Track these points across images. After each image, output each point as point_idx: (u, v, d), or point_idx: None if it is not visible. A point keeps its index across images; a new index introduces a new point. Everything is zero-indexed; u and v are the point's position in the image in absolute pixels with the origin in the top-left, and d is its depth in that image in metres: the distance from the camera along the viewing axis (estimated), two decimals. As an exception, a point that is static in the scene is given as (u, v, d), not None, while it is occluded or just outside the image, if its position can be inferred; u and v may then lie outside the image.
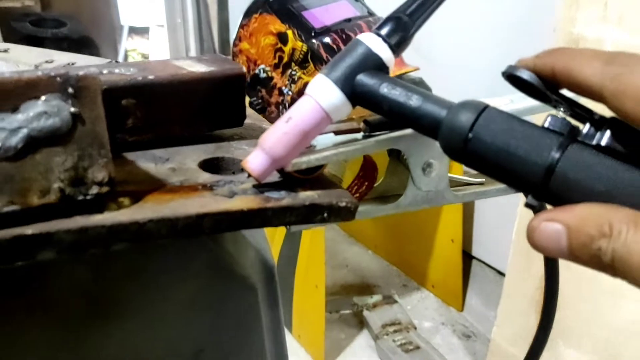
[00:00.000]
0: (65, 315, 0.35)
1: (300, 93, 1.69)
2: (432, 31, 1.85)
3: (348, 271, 2.04)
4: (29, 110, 0.30)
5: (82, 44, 3.41)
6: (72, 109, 0.31)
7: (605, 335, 1.19)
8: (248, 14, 1.53)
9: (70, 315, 0.36)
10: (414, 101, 0.32)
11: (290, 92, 1.45)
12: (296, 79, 1.44)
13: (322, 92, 0.34)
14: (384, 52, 0.34)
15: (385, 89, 0.33)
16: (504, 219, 1.56)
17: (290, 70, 1.45)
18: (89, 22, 3.56)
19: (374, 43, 0.34)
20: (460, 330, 1.76)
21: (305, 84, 1.43)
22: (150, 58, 3.90)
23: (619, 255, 0.23)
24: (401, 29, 0.35)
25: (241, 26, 1.55)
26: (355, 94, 0.34)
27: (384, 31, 0.35)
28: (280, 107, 1.49)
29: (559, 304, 1.32)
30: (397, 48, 0.35)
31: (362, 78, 0.34)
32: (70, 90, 0.31)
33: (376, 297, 1.80)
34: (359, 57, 0.34)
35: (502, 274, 1.67)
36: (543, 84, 0.28)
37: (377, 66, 0.34)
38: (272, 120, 1.39)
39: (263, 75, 1.50)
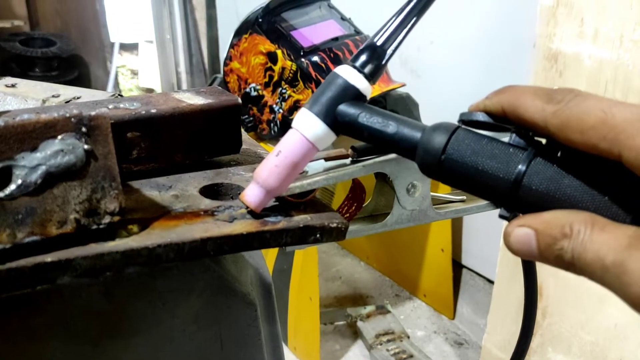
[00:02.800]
0: (82, 332, 0.38)
1: (291, 110, 1.72)
2: (419, 45, 1.88)
3: (341, 283, 2.06)
4: (47, 148, 0.33)
5: (72, 62, 3.42)
6: (86, 146, 0.34)
7: (592, 339, 1.22)
8: (238, 34, 1.56)
9: (86, 332, 0.38)
10: (391, 128, 0.35)
11: (281, 110, 1.48)
12: (286, 97, 1.47)
13: (307, 125, 0.37)
14: (360, 82, 0.36)
15: (364, 118, 0.36)
16: (492, 228, 1.60)
17: (280, 89, 1.48)
18: (78, 40, 3.57)
19: (350, 75, 0.36)
20: (452, 338, 1.79)
21: (296, 102, 1.47)
22: (139, 74, 3.92)
23: (577, 253, 0.26)
24: (375, 59, 0.36)
25: (232, 46, 1.58)
26: (337, 124, 0.36)
27: (358, 62, 0.36)
28: (272, 124, 1.51)
29: (548, 311, 1.35)
30: (373, 76, 0.37)
31: (342, 108, 0.36)
32: (83, 129, 0.34)
33: (369, 308, 1.82)
34: (338, 89, 0.36)
35: (491, 281, 1.69)
36: (497, 120, 0.31)
37: (355, 96, 0.36)
38: (263, 137, 1.41)
39: (254, 93, 1.53)
